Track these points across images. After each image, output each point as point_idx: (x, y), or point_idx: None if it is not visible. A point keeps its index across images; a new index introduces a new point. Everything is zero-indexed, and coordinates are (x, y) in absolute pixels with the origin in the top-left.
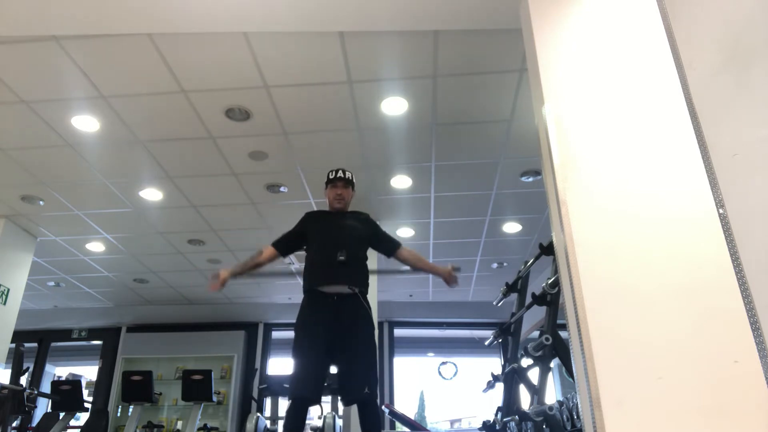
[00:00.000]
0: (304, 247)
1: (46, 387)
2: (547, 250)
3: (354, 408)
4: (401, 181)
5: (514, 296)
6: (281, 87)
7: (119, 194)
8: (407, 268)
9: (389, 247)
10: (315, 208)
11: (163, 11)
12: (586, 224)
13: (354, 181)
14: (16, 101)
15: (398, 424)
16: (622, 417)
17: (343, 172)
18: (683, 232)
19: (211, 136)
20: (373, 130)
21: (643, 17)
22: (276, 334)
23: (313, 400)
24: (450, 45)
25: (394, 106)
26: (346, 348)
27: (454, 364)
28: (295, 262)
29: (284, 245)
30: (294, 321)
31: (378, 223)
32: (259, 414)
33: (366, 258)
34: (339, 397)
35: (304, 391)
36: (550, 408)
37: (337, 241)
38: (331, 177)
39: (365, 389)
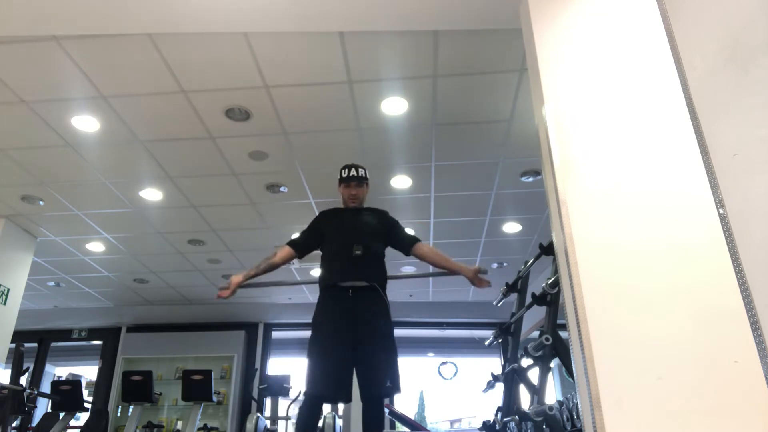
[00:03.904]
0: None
1: (46, 387)
2: (547, 250)
3: (354, 407)
4: (401, 181)
5: (514, 296)
6: (281, 87)
7: (119, 194)
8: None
9: (405, 243)
10: (315, 209)
11: (163, 11)
12: (586, 224)
13: (367, 177)
14: (16, 101)
15: (398, 424)
16: (622, 417)
17: (356, 169)
18: (683, 232)
19: (211, 136)
20: (373, 130)
21: (643, 17)
22: (276, 334)
23: (336, 399)
24: (450, 45)
25: (394, 106)
26: (365, 343)
27: (454, 364)
28: (295, 262)
29: (302, 245)
30: (295, 321)
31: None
32: (259, 414)
33: (383, 254)
34: (360, 394)
35: (323, 390)
36: (550, 408)
37: (352, 236)
38: (344, 176)
39: (387, 383)
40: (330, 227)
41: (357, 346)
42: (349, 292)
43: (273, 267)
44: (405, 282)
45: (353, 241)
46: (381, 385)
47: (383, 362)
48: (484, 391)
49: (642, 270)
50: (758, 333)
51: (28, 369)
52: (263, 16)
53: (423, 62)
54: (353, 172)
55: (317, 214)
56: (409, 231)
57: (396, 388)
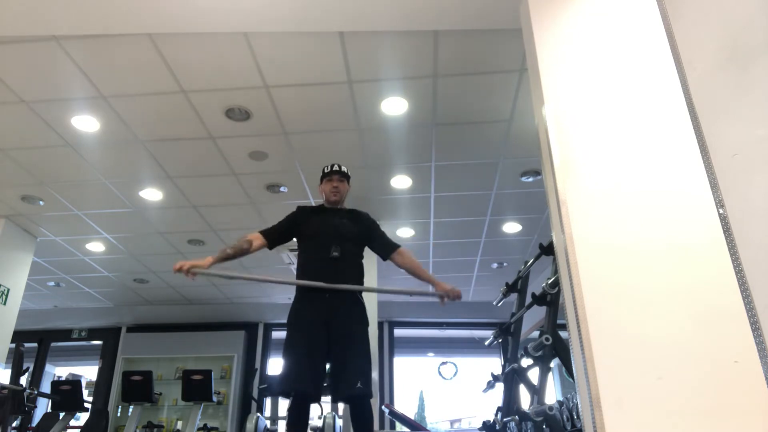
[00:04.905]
0: (297, 242)
1: (46, 387)
2: (547, 250)
3: None
4: (401, 181)
5: (514, 296)
6: (281, 87)
7: (119, 194)
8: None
9: (385, 248)
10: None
11: (163, 11)
12: (586, 224)
13: (349, 174)
14: (16, 101)
15: (398, 424)
16: (622, 417)
17: (339, 165)
18: (683, 233)
19: (211, 136)
20: (373, 130)
21: (643, 17)
22: (276, 334)
23: (312, 396)
24: (450, 45)
25: (394, 106)
26: (339, 344)
27: (454, 364)
28: (294, 261)
29: (274, 235)
30: None
31: (378, 223)
32: (259, 414)
33: (361, 256)
34: (330, 394)
35: (302, 386)
36: (550, 408)
37: (331, 237)
38: (326, 171)
39: (357, 384)
40: (309, 224)
41: (332, 348)
42: (326, 294)
43: (246, 254)
44: (405, 282)
45: (331, 243)
46: (352, 386)
47: (356, 364)
48: (484, 391)
49: (642, 270)
50: (758, 333)
51: (28, 369)
52: (263, 16)
53: (423, 62)
54: (336, 167)
55: (295, 208)
56: (408, 230)
57: (366, 389)
